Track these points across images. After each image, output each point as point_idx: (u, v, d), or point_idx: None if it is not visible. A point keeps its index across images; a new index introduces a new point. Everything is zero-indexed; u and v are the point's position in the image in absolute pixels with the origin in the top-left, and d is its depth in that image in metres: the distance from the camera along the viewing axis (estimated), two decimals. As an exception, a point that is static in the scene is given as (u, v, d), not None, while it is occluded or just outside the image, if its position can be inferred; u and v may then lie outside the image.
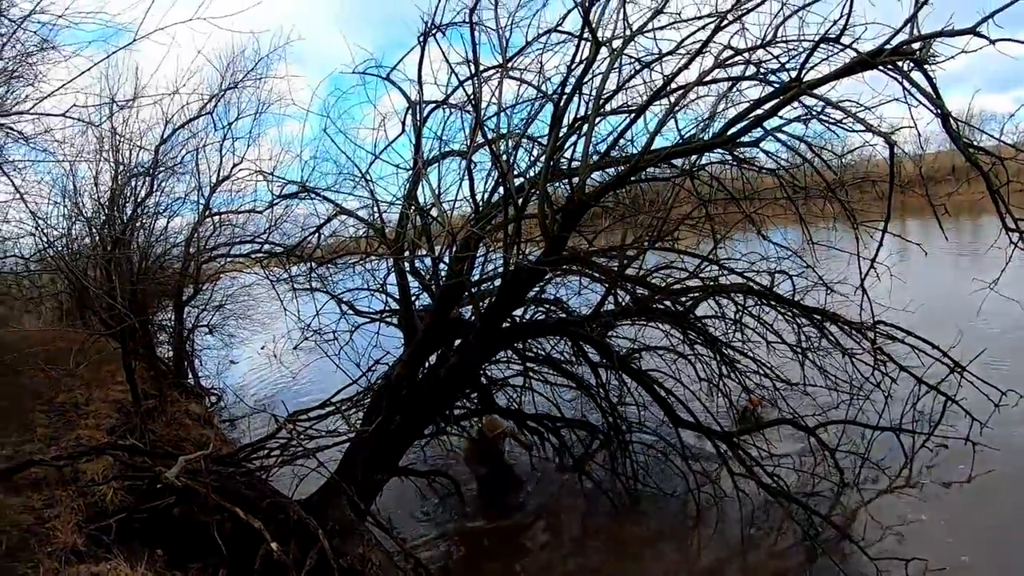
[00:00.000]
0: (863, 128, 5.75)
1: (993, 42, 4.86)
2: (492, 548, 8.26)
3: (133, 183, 10.71)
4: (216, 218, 11.85)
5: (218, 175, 11.60)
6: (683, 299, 8.10)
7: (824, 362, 8.99)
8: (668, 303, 8.14)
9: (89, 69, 6.41)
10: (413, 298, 8.70)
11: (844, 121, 6.12)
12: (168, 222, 12.04)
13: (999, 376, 9.50)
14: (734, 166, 7.40)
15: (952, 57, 5.16)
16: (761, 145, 6.72)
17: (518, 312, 8.79)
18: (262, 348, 14.17)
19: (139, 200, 10.54)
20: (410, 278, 8.51)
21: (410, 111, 7.86)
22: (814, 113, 6.23)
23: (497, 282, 7.78)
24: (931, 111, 5.24)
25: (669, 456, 9.04)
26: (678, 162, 7.23)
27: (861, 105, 6.01)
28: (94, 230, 10.94)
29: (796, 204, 7.28)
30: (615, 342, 9.17)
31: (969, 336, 9.36)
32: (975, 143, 5.51)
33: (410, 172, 7.90)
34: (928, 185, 6.40)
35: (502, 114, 6.97)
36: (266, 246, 11.04)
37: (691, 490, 8.50)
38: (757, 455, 8.26)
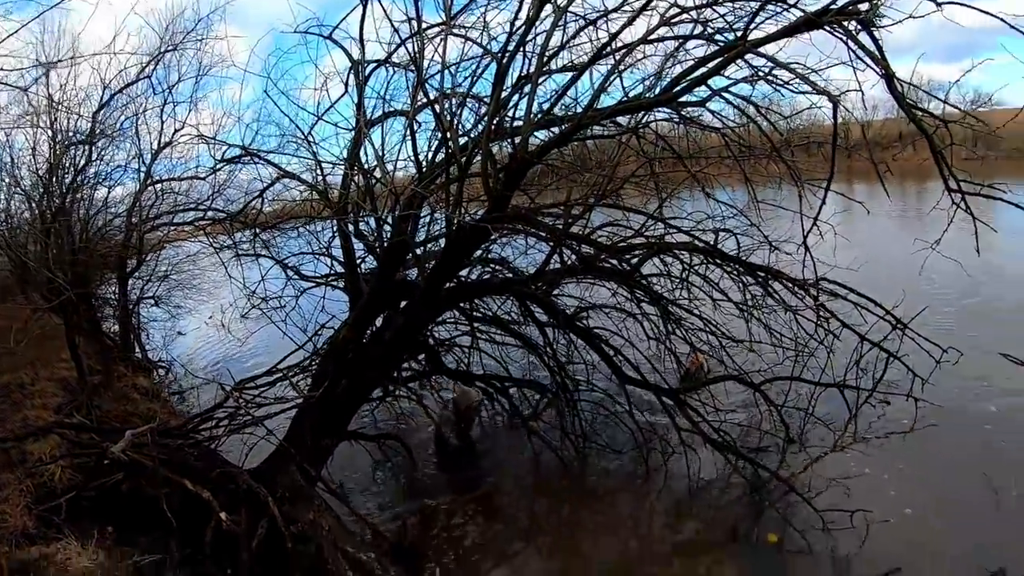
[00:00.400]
0: (809, 89, 5.76)
1: (940, 5, 4.88)
2: (444, 510, 8.26)
3: (72, 152, 10.31)
4: (158, 186, 11.46)
5: (159, 141, 11.21)
6: (629, 257, 8.10)
7: (769, 320, 9.10)
8: (614, 262, 8.13)
9: (18, 31, 6.08)
10: (358, 261, 8.57)
11: (791, 82, 6.10)
12: (109, 192, 11.60)
13: (941, 335, 9.74)
14: (680, 124, 7.37)
15: (900, 21, 5.17)
16: (708, 105, 6.68)
17: (465, 274, 8.73)
18: (209, 318, 13.87)
19: (78, 169, 10.17)
20: (355, 241, 8.36)
21: (352, 71, 7.66)
22: (761, 74, 6.20)
23: (442, 243, 7.68)
24: (876, 72, 5.24)
25: (617, 414, 9.14)
26: (624, 121, 7.19)
27: (808, 68, 6.02)
28: (32, 203, 10.54)
29: (742, 163, 7.29)
30: (562, 301, 9.18)
31: (912, 296, 9.55)
32: (919, 105, 5.54)
33: (353, 133, 7.73)
34: (874, 151, 6.43)
35: (446, 72, 6.83)
36: (209, 213, 10.74)
37: (639, 446, 8.63)
38: (703, 411, 8.35)
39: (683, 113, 7.00)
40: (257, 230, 9.47)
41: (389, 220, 7.81)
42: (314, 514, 6.04)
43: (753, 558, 7.14)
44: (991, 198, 5.77)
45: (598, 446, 9.20)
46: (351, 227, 8.05)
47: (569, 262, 8.22)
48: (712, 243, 8.10)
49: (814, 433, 9.14)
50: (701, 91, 6.18)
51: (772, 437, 9.07)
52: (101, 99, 10.40)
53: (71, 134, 10.35)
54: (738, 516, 7.78)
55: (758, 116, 6.80)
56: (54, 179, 9.90)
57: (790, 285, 8.22)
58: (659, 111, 6.97)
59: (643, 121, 7.21)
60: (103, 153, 10.88)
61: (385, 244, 7.62)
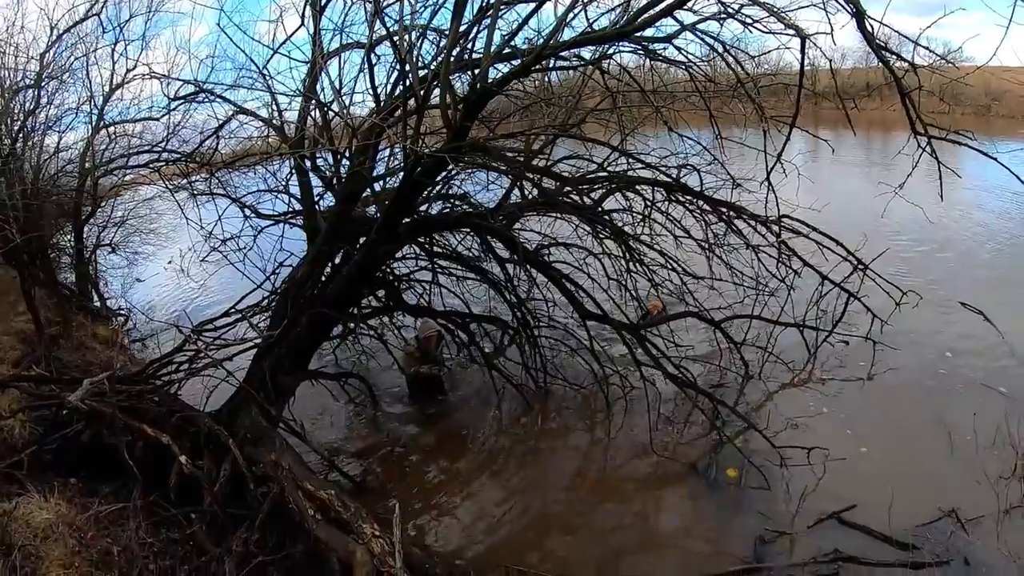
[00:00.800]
0: (779, 28, 5.66)
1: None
2: (406, 447, 8.31)
3: (20, 97, 9.93)
4: (111, 129, 11.18)
5: (111, 83, 10.87)
6: (588, 188, 8.04)
7: (730, 258, 9.15)
8: (576, 197, 8.07)
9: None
10: (317, 198, 8.41)
11: (761, 21, 5.98)
12: (60, 137, 11.23)
13: (901, 280, 9.89)
14: (645, 58, 7.24)
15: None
16: (674, 42, 6.56)
17: (424, 209, 8.64)
18: (168, 263, 13.53)
19: (27, 114, 9.80)
20: (312, 177, 8.22)
21: (308, 2, 7.42)
22: (731, 11, 6.08)
23: (401, 177, 7.54)
24: (846, 10, 5.15)
25: (578, 350, 9.17)
26: (587, 55, 7.06)
27: (778, 8, 5.92)
28: (-21, 152, 10.18)
29: (707, 101, 7.21)
30: (524, 237, 9.11)
31: (873, 240, 9.65)
32: (888, 46, 5.49)
33: (309, 66, 7.51)
34: (842, 98, 6.41)
35: (405, 3, 6.62)
36: (164, 155, 10.47)
37: (599, 381, 8.66)
38: (664, 347, 8.40)
39: (649, 47, 6.87)
40: (213, 169, 9.24)
41: (346, 154, 7.63)
42: (275, 454, 5.98)
43: (712, 493, 7.25)
44: (957, 143, 5.76)
45: (559, 381, 9.25)
46: (308, 163, 7.89)
47: (530, 196, 8.15)
48: (675, 178, 8.07)
49: (773, 371, 9.27)
50: (668, 25, 6.06)
51: (732, 374, 9.20)
52: (49, 39, 10.05)
53: (18, 78, 9.97)
54: (697, 451, 7.89)
55: (725, 54, 6.71)
56: (2, 126, 9.52)
57: (752, 222, 8.24)
58: (624, 45, 6.84)
59: (607, 53, 7.08)
60: (53, 97, 10.52)
61: (343, 179, 7.46)
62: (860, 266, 8.88)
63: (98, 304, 13.08)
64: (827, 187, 13.46)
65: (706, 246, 8.97)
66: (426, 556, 5.26)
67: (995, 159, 5.73)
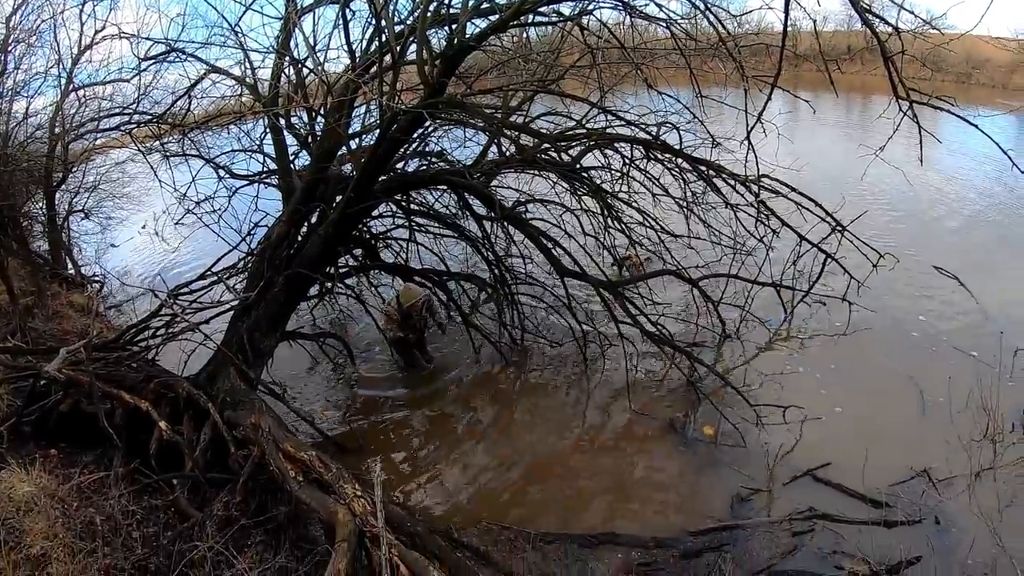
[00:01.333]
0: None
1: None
2: (385, 406, 8.30)
3: (-14, 62, 9.67)
4: (81, 92, 11.00)
5: (79, 45, 10.64)
6: (567, 146, 7.98)
7: (708, 217, 9.15)
8: (554, 154, 8.01)
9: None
10: (291, 157, 8.31)
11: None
12: (29, 103, 10.97)
13: (878, 243, 9.95)
14: (625, 15, 7.13)
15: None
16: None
17: (401, 167, 8.57)
18: (143, 227, 13.29)
19: (-5, 80, 9.56)
20: (287, 136, 8.10)
21: (283, -45, 7.23)
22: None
23: (377, 134, 7.41)
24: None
25: (556, 307, 9.23)
26: (566, 10, 6.96)
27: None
28: (-52, 119, 9.92)
29: (687, 58, 7.14)
30: (501, 194, 9.07)
31: (852, 203, 9.68)
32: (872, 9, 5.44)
33: (282, 22, 7.33)
34: (824, 60, 6.37)
35: (382, -44, 6.45)
36: (136, 116, 10.21)
37: (577, 338, 8.69)
38: (641, 305, 8.40)
39: (629, 3, 6.78)
40: (186, 130, 9.04)
41: (321, 112, 7.50)
42: (255, 417, 5.94)
43: (689, 450, 7.34)
44: (939, 108, 5.76)
45: (537, 339, 9.29)
46: (282, 121, 7.75)
47: (508, 153, 8.07)
48: (654, 136, 8.02)
49: (750, 330, 9.37)
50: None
51: (709, 333, 9.25)
52: (15, 2, 9.80)
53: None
54: (675, 409, 7.97)
55: (707, 12, 6.63)
56: (-31, 92, 9.30)
57: (731, 181, 8.22)
58: (604, 1, 6.76)
59: (587, 9, 6.97)
60: (20, 62, 10.35)
61: (318, 137, 7.33)
62: (838, 227, 8.92)
63: (72, 271, 12.89)
64: (807, 149, 13.44)
65: (684, 204, 8.95)
66: (407, 514, 5.27)
67: (975, 125, 5.74)
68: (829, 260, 9.13)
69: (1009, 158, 5.78)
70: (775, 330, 9.43)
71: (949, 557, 5.53)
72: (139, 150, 9.88)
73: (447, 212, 9.45)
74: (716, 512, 6.50)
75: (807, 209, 8.74)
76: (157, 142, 9.50)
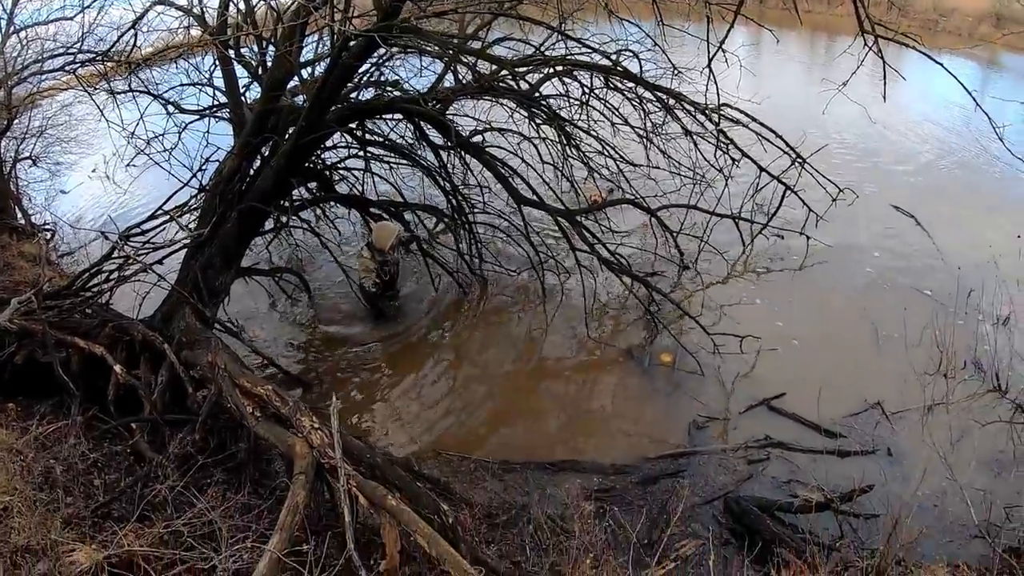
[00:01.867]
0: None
1: None
2: (345, 341, 8.26)
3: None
4: (23, 34, 10.41)
5: (19, -16, 10.06)
6: (528, 76, 7.84)
7: (668, 147, 9.15)
8: (512, 81, 7.86)
9: None
10: (242, 89, 8.14)
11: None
12: (-33, 49, 10.44)
13: (838, 179, 9.99)
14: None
15: None
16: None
17: (356, 96, 8.41)
18: (93, 171, 12.90)
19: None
20: (237, 67, 7.88)
21: None
22: None
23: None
24: None
25: (513, 236, 9.17)
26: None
27: None
28: None
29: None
30: (458, 123, 8.87)
31: (813, 139, 9.68)
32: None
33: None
34: None
35: None
36: (81, 56, 9.79)
37: (535, 267, 8.66)
38: (599, 234, 8.42)
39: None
40: (132, 67, 8.71)
41: (272, 41, 7.25)
42: (212, 355, 5.85)
43: (647, 378, 7.47)
44: (904, 44, 5.81)
45: (495, 268, 9.25)
46: (232, 52, 7.49)
47: (464, 81, 7.92)
48: (615, 63, 7.91)
49: (709, 262, 9.43)
50: None
51: (667, 263, 9.31)
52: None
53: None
54: (632, 337, 8.10)
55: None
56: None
57: (691, 110, 8.17)
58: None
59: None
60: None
61: (268, 67, 7.10)
62: (798, 159, 8.94)
63: (22, 221, 12.46)
64: (770, 84, 13.34)
65: (644, 134, 8.93)
66: (366, 447, 5.27)
67: (940, 63, 5.79)
68: (788, 192, 9.17)
69: (972, 98, 5.82)
70: (733, 262, 9.50)
71: (901, 487, 5.68)
72: (85, 90, 9.51)
73: (403, 142, 9.27)
74: (674, 439, 6.65)
75: (767, 140, 8.76)
76: (104, 81, 9.15)
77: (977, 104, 5.80)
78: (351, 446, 4.96)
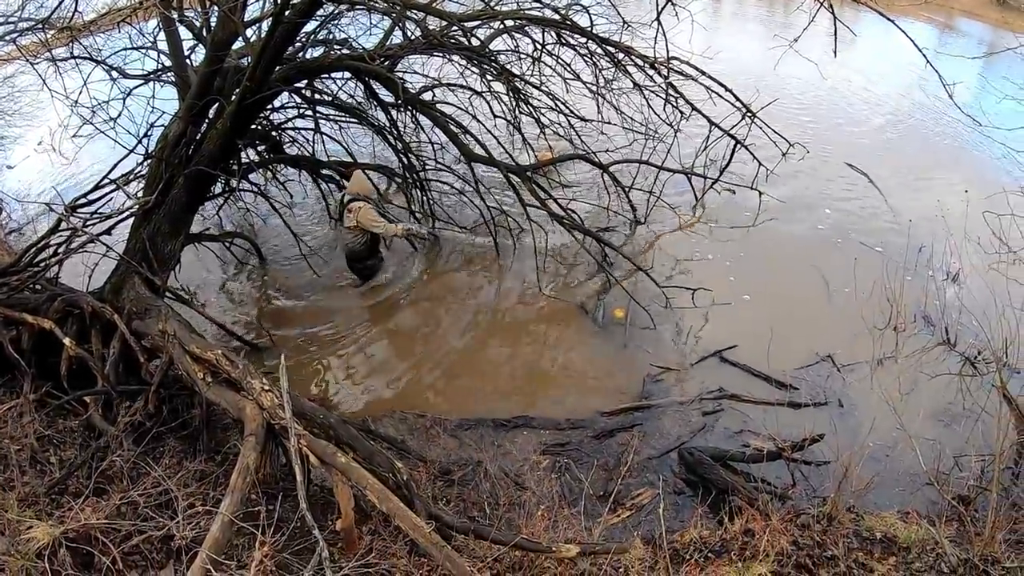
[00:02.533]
0: None
1: None
2: (299, 304, 8.23)
3: None
4: (-43, 6, 10.02)
5: (-48, -47, 9.66)
6: (478, 31, 7.76)
7: (620, 102, 9.13)
8: (462, 38, 7.78)
9: None
10: (187, 52, 7.96)
11: None
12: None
13: (790, 135, 10.05)
14: None
15: None
16: None
17: (302, 56, 8.18)
18: (39, 144, 12.58)
19: None
20: (182, 30, 7.72)
21: None
22: None
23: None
24: None
25: (465, 193, 9.16)
26: None
27: None
28: None
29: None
30: (408, 80, 8.90)
31: (767, 94, 9.69)
32: None
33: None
34: None
35: None
36: (20, 24, 9.48)
37: (487, 223, 8.62)
38: (551, 190, 8.43)
39: None
40: (74, 33, 8.45)
41: (215, 0, 7.06)
42: (162, 324, 5.77)
43: (600, 333, 7.54)
44: (857, 1, 5.80)
45: (449, 226, 9.19)
46: (175, 13, 7.29)
47: (413, 37, 7.82)
48: (564, 17, 7.88)
49: (661, 217, 9.48)
50: None
51: (619, 218, 9.35)
52: None
53: None
54: (585, 292, 8.15)
55: None
56: None
57: (641, 63, 8.15)
58: None
59: None
60: None
61: (212, 27, 6.93)
62: (748, 113, 8.96)
63: (-33, 199, 12.12)
64: (723, 41, 13.37)
65: (595, 90, 8.90)
66: (319, 407, 5.24)
67: (892, 21, 5.86)
68: (739, 147, 9.21)
69: (923, 55, 5.88)
70: (685, 216, 9.55)
71: (852, 438, 5.80)
72: (28, 60, 9.23)
73: (352, 101, 9.17)
74: (629, 393, 6.73)
75: (718, 95, 8.74)
76: (45, 49, 8.87)
77: (928, 61, 5.88)
78: (304, 407, 4.93)
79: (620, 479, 5.53)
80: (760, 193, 9.56)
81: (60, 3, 8.29)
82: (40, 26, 8.72)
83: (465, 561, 4.06)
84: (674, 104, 8.82)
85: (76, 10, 8.33)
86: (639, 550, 4.45)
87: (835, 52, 6.27)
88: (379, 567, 4.07)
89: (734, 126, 9.02)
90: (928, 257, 8.51)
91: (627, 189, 9.07)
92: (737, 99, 8.83)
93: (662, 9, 6.57)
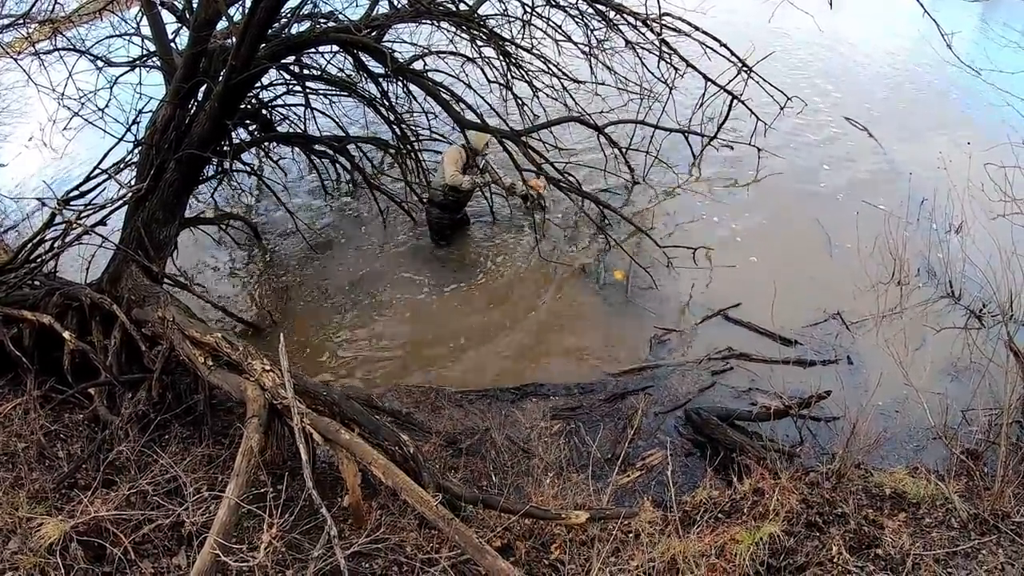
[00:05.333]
0: None
1: None
2: (299, 284, 8.18)
3: None
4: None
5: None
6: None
7: (613, 62, 9.03)
8: (451, 5, 7.69)
9: None
10: (172, 35, 7.85)
11: None
12: None
13: (788, 89, 9.90)
14: None
15: None
16: None
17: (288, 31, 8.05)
18: (29, 140, 12.53)
19: None
20: (165, 13, 7.66)
21: None
22: None
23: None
24: None
25: None
26: None
27: None
28: None
29: None
30: (397, 50, 8.71)
31: (763, 48, 9.54)
32: None
33: None
34: None
35: None
36: (1, 21, 9.39)
37: (481, 188, 8.54)
38: (547, 154, 8.40)
39: None
40: (57, 26, 8.37)
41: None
42: (161, 311, 5.74)
43: (602, 295, 7.53)
44: None
45: None
46: (158, -1, 7.22)
47: (399, 5, 7.73)
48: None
49: (662, 176, 9.43)
50: None
51: (617, 179, 9.28)
52: None
53: None
54: (585, 255, 8.13)
55: None
56: None
57: (633, 21, 8.04)
58: None
59: None
60: None
61: (194, 8, 6.83)
62: (744, 68, 8.82)
63: (-39, 201, 12.08)
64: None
65: (587, 50, 8.80)
66: (323, 385, 5.23)
67: None
68: (735, 102, 9.09)
69: (920, 5, 5.73)
70: (684, 176, 9.49)
71: (861, 394, 5.71)
72: (11, 57, 9.15)
73: (342, 75, 9.07)
74: (636, 355, 6.70)
75: (713, 51, 8.61)
76: (28, 44, 8.80)
77: (924, 9, 5.75)
78: (307, 385, 4.92)
79: (627, 442, 5.51)
80: (759, 150, 9.44)
81: (40, -5, 8.21)
82: (21, 21, 8.65)
83: (475, 531, 4.04)
84: (668, 61, 8.70)
85: (57, 2, 8.23)
86: (649, 513, 4.43)
87: (831, 3, 6.16)
88: (389, 542, 4.07)
89: (730, 81, 8.87)
90: (930, 210, 8.41)
91: (624, 150, 8.96)
92: (732, 54, 8.69)
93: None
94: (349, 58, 8.67)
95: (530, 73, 8.94)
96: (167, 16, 7.85)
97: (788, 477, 4.55)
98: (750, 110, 9.20)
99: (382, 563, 4.11)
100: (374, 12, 8.17)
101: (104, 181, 7.06)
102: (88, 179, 7.00)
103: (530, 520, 4.39)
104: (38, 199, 7.60)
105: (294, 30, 7.99)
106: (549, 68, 8.93)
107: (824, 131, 10.66)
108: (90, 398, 5.56)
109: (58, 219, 6.60)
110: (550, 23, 8.64)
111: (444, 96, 7.68)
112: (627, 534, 4.32)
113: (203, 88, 6.94)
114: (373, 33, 7.63)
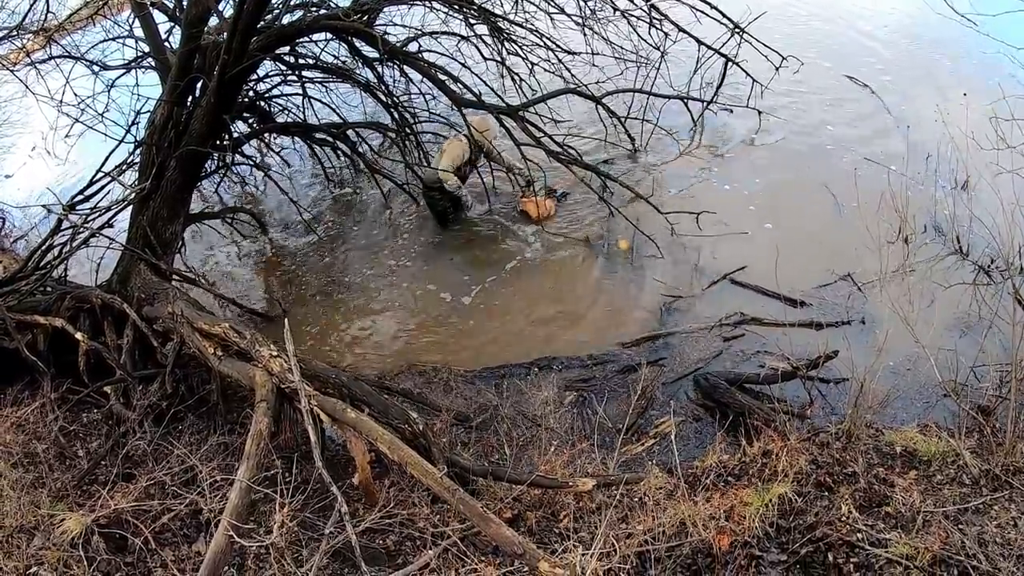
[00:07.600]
0: None
1: None
2: (306, 272, 8.21)
3: None
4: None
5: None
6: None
7: (608, 32, 8.89)
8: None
9: None
10: (164, 35, 7.89)
11: None
12: None
13: (786, 50, 9.77)
14: None
15: None
16: None
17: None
18: (33, 150, 12.63)
19: None
20: (156, 14, 7.66)
21: None
22: None
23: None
24: None
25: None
26: None
27: None
28: None
29: None
30: (391, 33, 8.75)
31: (758, 9, 9.46)
32: None
33: None
34: None
35: None
36: (-3, 34, 9.45)
37: (480, 168, 8.46)
38: (544, 127, 8.20)
39: None
40: (50, 35, 8.43)
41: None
42: (169, 306, 5.83)
43: (608, 265, 7.53)
44: None
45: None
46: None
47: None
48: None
49: (659, 144, 9.34)
50: None
51: (618, 149, 9.25)
52: None
53: None
54: (587, 226, 8.11)
55: None
56: None
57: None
58: None
59: None
60: None
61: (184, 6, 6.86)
62: (737, 30, 8.72)
63: (-31, 214, 12.21)
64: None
65: (581, 20, 8.69)
66: (331, 367, 5.30)
67: None
68: (730, 65, 8.99)
69: None
70: (685, 142, 9.34)
71: (869, 354, 5.52)
72: (8, 69, 9.23)
73: (337, 62, 9.04)
74: (644, 322, 6.72)
75: (705, 14, 8.52)
76: (24, 54, 8.87)
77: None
78: (315, 368, 5.00)
79: (636, 411, 5.53)
80: (760, 112, 9.36)
81: (32, 6, 8.26)
82: (15, 32, 8.70)
83: (486, 503, 4.10)
84: (658, 27, 8.62)
85: (48, 11, 8.28)
86: (658, 478, 4.46)
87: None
88: (400, 517, 4.13)
89: (724, 43, 8.77)
90: (935, 166, 8.26)
91: (623, 119, 8.89)
92: (724, 15, 8.59)
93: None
94: (343, 44, 8.63)
95: (525, 48, 8.82)
96: (159, 16, 7.87)
97: (797, 438, 4.55)
98: (746, 72, 9.06)
99: (395, 538, 4.17)
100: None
101: (107, 184, 7.14)
102: (92, 183, 7.06)
103: (539, 490, 4.43)
104: (44, 206, 7.74)
105: (285, 20, 7.99)
106: (543, 41, 8.85)
107: (824, 91, 10.42)
108: (106, 396, 5.64)
109: (65, 224, 6.69)
110: (543, -4, 8.56)
111: (439, 77, 7.66)
112: (636, 500, 4.35)
113: (199, 84, 6.97)
114: (364, 18, 7.62)
